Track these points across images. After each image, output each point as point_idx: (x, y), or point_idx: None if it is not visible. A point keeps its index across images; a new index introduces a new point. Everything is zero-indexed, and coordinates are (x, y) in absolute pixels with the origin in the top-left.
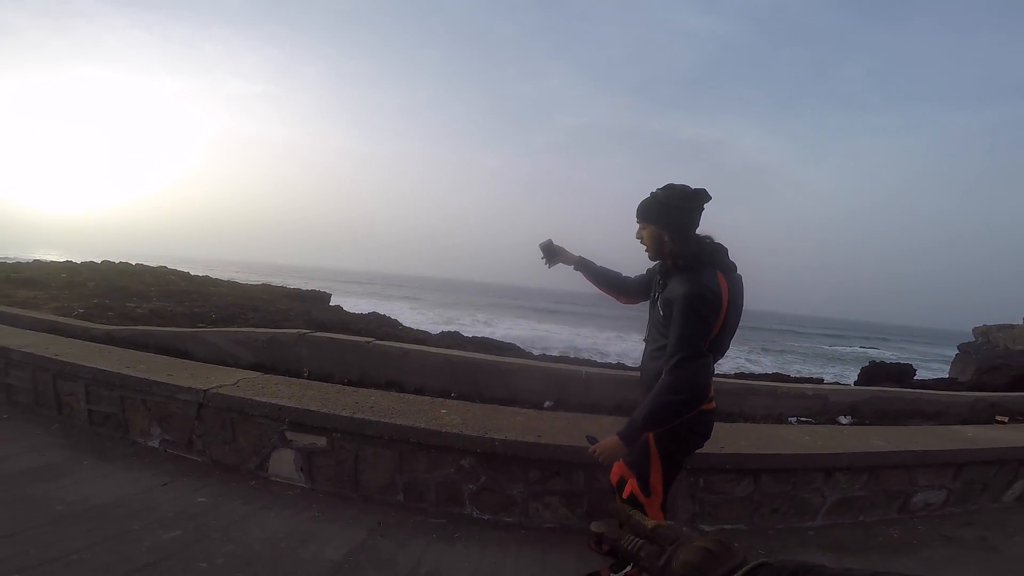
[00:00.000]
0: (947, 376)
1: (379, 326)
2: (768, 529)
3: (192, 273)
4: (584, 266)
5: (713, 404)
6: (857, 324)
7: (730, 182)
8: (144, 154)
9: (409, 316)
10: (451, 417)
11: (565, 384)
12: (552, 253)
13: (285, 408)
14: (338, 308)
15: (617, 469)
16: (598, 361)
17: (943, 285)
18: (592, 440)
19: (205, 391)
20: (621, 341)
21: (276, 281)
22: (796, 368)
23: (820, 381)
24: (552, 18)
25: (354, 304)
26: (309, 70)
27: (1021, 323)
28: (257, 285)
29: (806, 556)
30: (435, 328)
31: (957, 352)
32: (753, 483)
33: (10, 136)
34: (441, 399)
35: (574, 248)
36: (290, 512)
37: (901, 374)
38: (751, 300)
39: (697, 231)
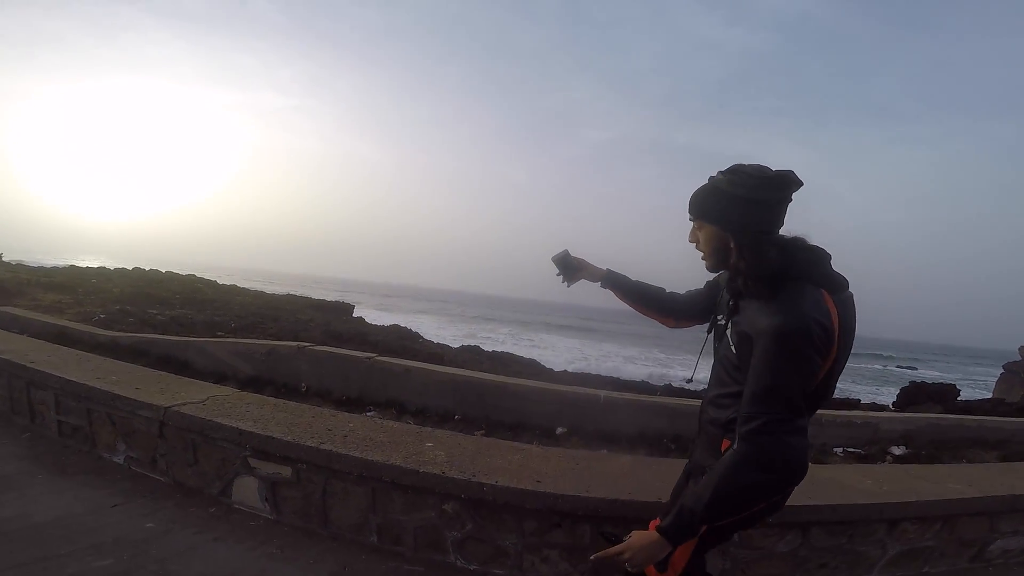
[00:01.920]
0: (992, 396)
1: (398, 339)
2: None
3: (220, 282)
4: (613, 281)
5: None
6: (892, 343)
7: None
8: (185, 164)
9: (432, 329)
10: (436, 453)
11: (582, 408)
12: (570, 268)
13: (247, 433)
14: (360, 320)
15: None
16: (622, 379)
17: (986, 301)
18: (611, 538)
19: (166, 409)
20: (643, 359)
21: (303, 292)
22: None
23: (857, 403)
24: (575, 31)
25: (377, 316)
26: (341, 83)
27: None
28: (281, 295)
29: None
30: (457, 342)
31: (1002, 371)
32: (801, 536)
33: (58, 144)
34: (430, 429)
35: (605, 264)
36: (246, 546)
37: (943, 395)
38: None
39: (782, 232)
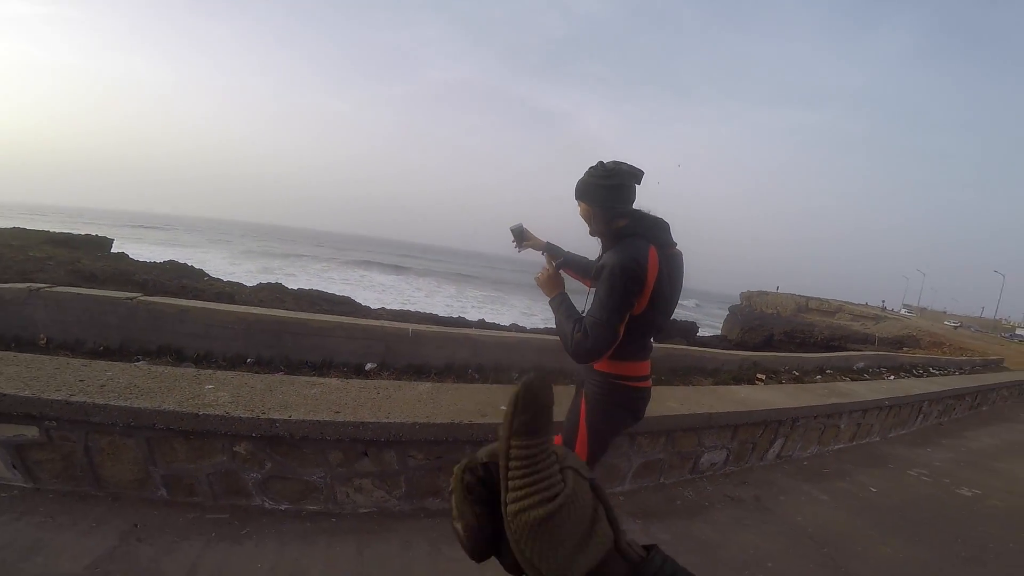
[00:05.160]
0: (720, 334)
1: (176, 277)
2: None
3: None
4: (552, 251)
5: (648, 382)
6: None
7: (570, 152)
8: None
9: (222, 266)
10: (217, 394)
11: (390, 343)
12: (522, 237)
13: None
14: (121, 256)
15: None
16: (439, 316)
17: (724, 254)
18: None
19: None
20: (463, 297)
21: (41, 225)
22: None
23: None
24: None
25: (148, 251)
26: None
27: (775, 291)
28: (5, 229)
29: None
30: (252, 279)
31: (728, 312)
32: None
33: None
34: (210, 371)
35: (419, 202)
36: (6, 518)
37: (687, 331)
38: None
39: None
